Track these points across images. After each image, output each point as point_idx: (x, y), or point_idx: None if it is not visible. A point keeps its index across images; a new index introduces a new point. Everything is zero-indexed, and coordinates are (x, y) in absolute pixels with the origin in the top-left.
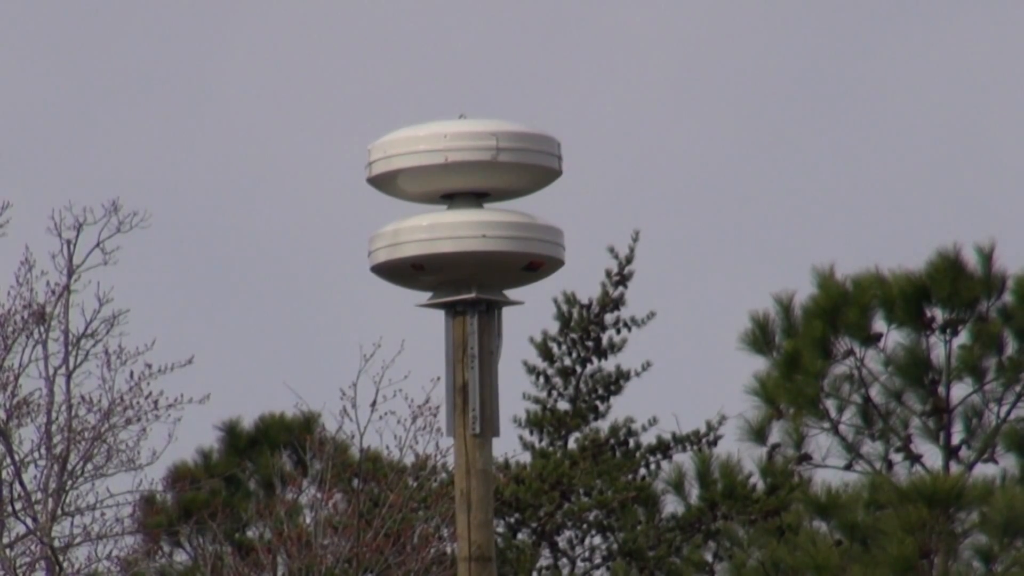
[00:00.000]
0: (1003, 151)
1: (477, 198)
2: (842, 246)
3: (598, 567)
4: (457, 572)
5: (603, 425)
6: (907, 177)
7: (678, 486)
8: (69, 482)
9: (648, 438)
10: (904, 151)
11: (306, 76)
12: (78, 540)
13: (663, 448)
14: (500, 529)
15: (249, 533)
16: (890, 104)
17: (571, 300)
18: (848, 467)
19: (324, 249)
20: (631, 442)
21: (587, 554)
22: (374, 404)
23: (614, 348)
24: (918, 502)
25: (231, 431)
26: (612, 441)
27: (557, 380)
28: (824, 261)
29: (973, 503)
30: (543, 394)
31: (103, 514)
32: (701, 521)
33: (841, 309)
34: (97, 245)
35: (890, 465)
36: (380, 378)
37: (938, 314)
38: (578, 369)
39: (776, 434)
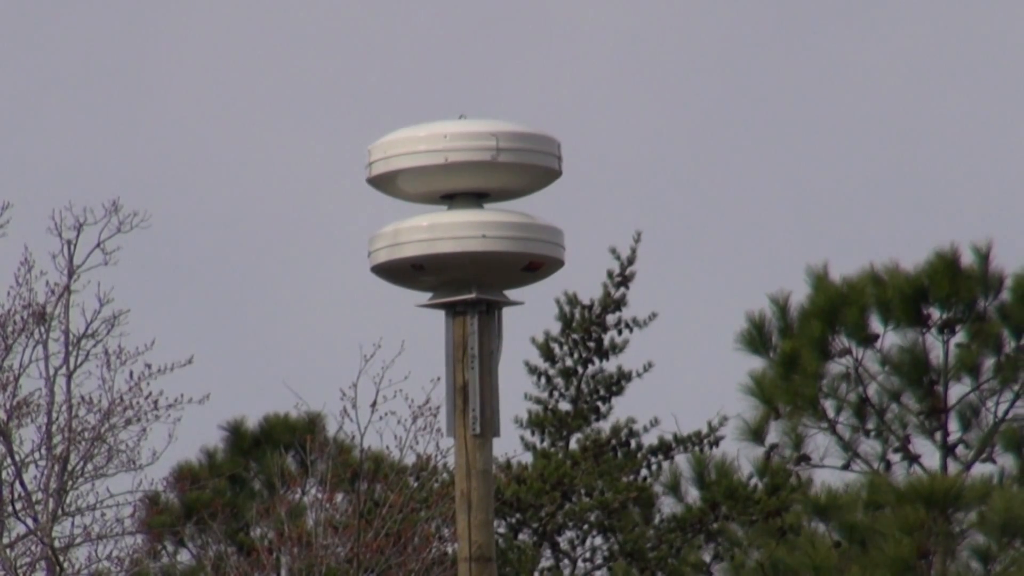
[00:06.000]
0: (1000, 150)
1: (477, 198)
2: (840, 246)
3: (599, 567)
4: (458, 572)
5: (604, 426)
6: (903, 177)
7: (674, 488)
8: (69, 482)
9: (650, 439)
10: (901, 150)
11: (306, 76)
12: (78, 540)
13: (664, 449)
14: (501, 529)
15: (252, 533)
16: (886, 103)
17: (573, 301)
18: (846, 467)
19: (324, 249)
20: (632, 443)
21: (588, 554)
22: (374, 404)
23: (616, 349)
24: (916, 503)
25: (235, 431)
26: (613, 442)
27: (559, 380)
28: (822, 261)
29: (971, 503)
30: (544, 394)
31: (103, 514)
32: (702, 522)
33: (839, 309)
34: (97, 245)
35: (888, 465)
36: (380, 378)
37: (935, 313)
38: (579, 370)
39: (774, 434)
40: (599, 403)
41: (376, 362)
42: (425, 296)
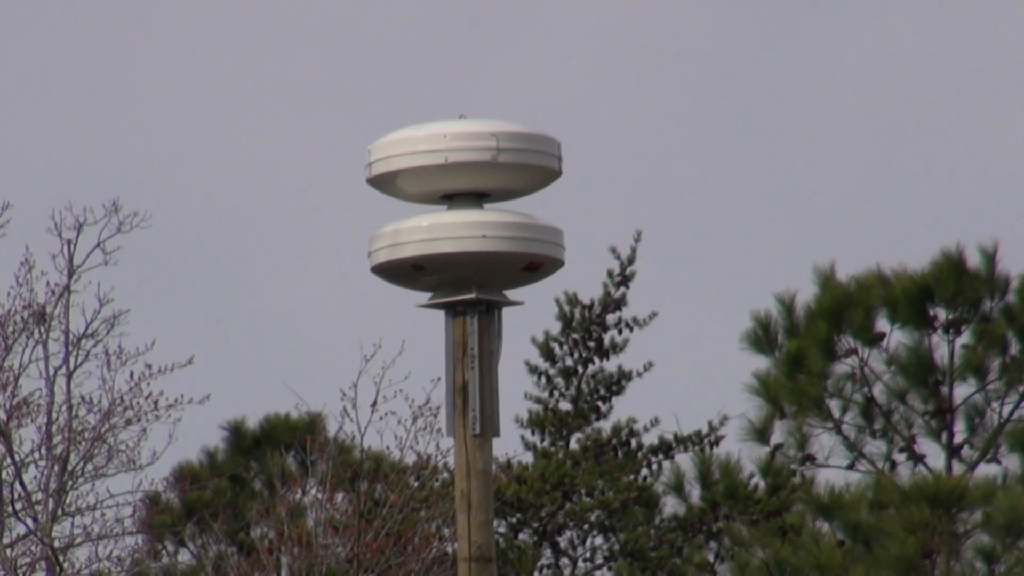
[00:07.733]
0: (1006, 150)
1: (477, 198)
2: (845, 246)
3: (599, 567)
4: (457, 572)
5: (605, 425)
6: (910, 177)
7: (678, 487)
8: (69, 482)
9: (650, 438)
10: (907, 150)
11: (307, 76)
12: (78, 540)
13: (665, 448)
14: (502, 529)
15: (253, 533)
16: (892, 102)
17: (573, 300)
18: (851, 467)
19: (324, 249)
20: (633, 442)
21: (588, 554)
22: (374, 404)
23: (616, 348)
24: (920, 502)
25: (236, 431)
26: (614, 441)
27: (559, 380)
28: (827, 261)
29: (975, 503)
30: (545, 394)
31: (103, 514)
32: (703, 521)
33: (845, 309)
34: (97, 245)
35: (893, 465)
36: (380, 378)
37: (941, 314)
38: (580, 369)
39: (778, 434)
40: (599, 403)
41: (376, 362)
42: (425, 296)
